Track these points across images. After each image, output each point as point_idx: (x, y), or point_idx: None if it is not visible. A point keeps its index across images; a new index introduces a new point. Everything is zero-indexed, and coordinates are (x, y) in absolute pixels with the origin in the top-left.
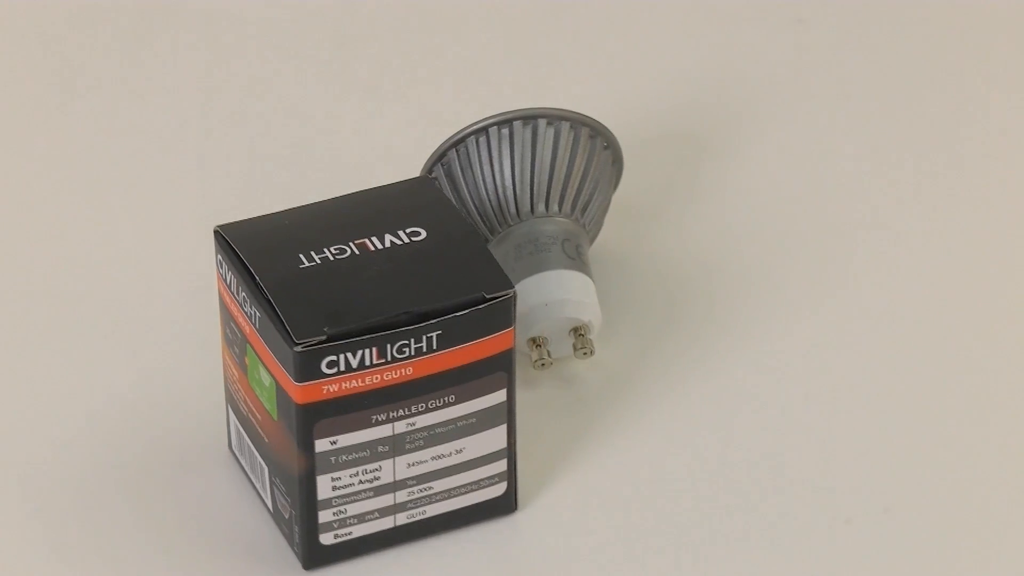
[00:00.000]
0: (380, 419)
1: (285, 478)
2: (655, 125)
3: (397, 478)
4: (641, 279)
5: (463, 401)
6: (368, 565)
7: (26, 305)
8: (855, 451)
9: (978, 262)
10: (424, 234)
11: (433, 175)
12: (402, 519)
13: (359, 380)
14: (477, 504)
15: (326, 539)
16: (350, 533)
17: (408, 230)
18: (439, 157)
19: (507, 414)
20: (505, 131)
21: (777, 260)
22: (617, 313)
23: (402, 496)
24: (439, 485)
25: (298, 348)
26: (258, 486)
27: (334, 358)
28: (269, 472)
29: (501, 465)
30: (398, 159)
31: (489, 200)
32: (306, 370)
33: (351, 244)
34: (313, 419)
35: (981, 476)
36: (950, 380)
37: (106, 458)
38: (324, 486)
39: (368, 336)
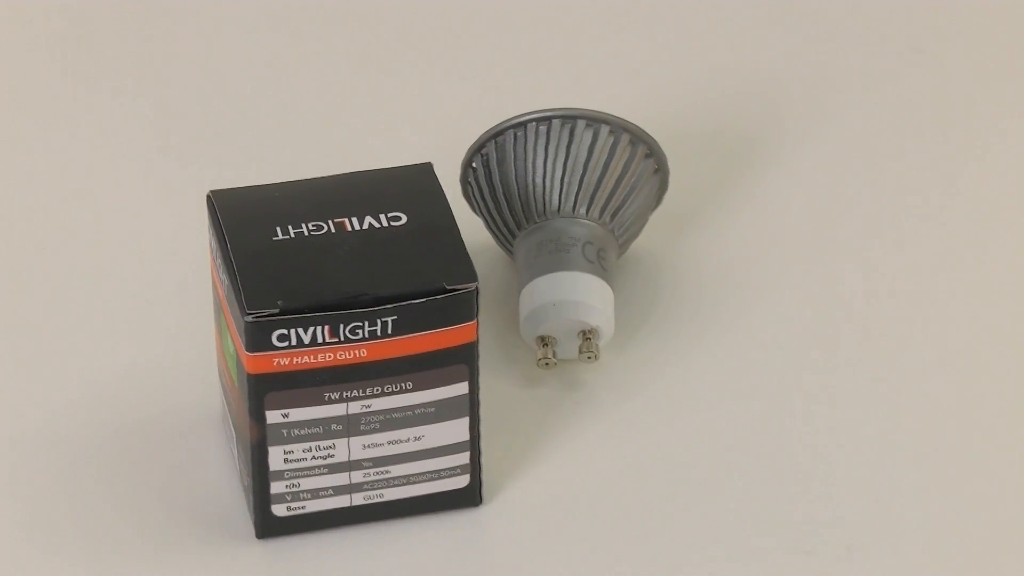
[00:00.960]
0: (334, 397)
1: (244, 446)
2: (701, 125)
3: (352, 458)
4: (669, 288)
5: (421, 389)
6: (323, 542)
7: (24, 269)
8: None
9: None
10: (404, 220)
11: (474, 166)
12: (359, 499)
13: (311, 356)
14: (438, 494)
15: (279, 510)
16: (304, 507)
17: (390, 214)
18: (478, 148)
19: (469, 407)
20: (543, 128)
21: (816, 280)
22: (638, 321)
23: (358, 477)
24: (397, 470)
25: (248, 318)
26: (232, 454)
27: (285, 332)
28: (236, 440)
29: (463, 457)
30: (431, 150)
31: (519, 195)
32: (257, 341)
33: (330, 222)
34: (263, 390)
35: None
36: (978, 416)
37: (101, 424)
38: (276, 458)
39: (321, 314)
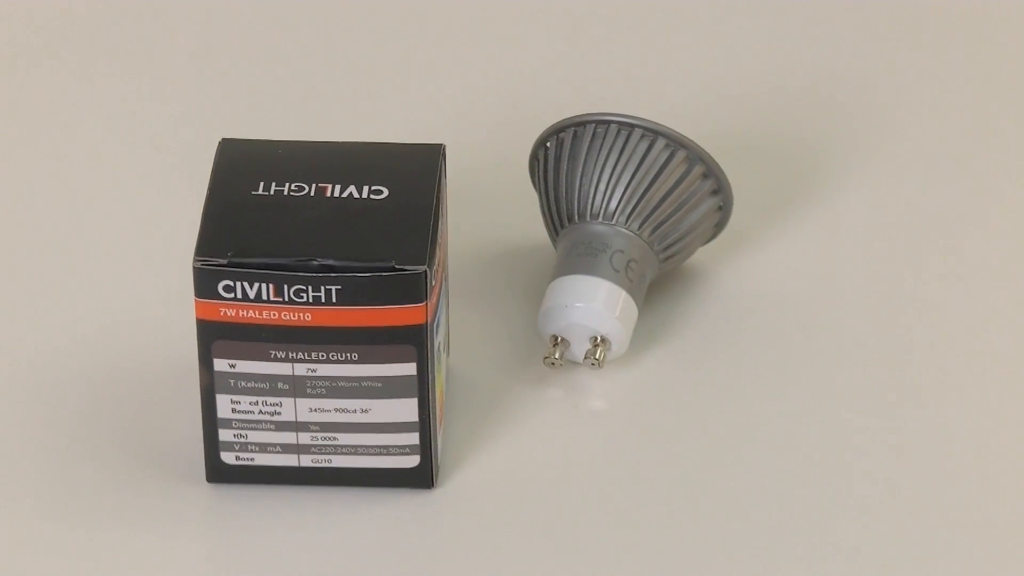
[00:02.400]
0: (279, 356)
1: (200, 390)
2: (764, 133)
3: (299, 419)
4: (709, 307)
5: (367, 363)
6: (270, 496)
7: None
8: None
9: None
10: (385, 194)
11: (547, 146)
12: (307, 461)
13: (256, 312)
14: (388, 469)
15: (227, 458)
16: (252, 459)
17: (373, 187)
18: (541, 143)
19: (418, 388)
20: (601, 130)
21: (869, 313)
22: (667, 337)
23: (305, 439)
24: (345, 439)
25: (197, 263)
26: None
27: (231, 283)
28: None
29: (413, 438)
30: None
31: (566, 191)
32: (203, 287)
33: (314, 186)
34: (210, 337)
35: None
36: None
37: (76, 371)
38: (224, 405)
39: (266, 271)
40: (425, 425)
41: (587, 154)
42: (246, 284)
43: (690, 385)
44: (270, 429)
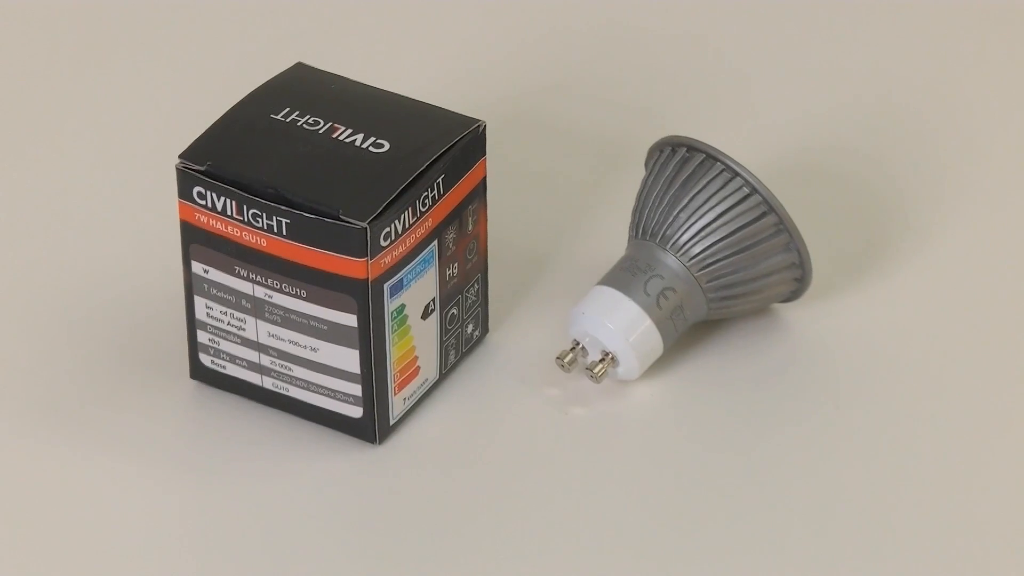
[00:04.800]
0: (242, 274)
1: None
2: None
3: (260, 340)
4: (761, 351)
5: (313, 303)
6: (241, 407)
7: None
8: None
9: None
10: (384, 148)
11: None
12: (268, 383)
13: (223, 225)
14: (336, 414)
15: (204, 360)
16: (224, 368)
17: (379, 140)
18: (660, 147)
19: (359, 341)
20: (690, 157)
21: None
22: (706, 372)
23: (266, 361)
24: (298, 372)
25: (178, 164)
26: None
27: (203, 191)
28: None
29: (356, 388)
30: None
31: (646, 205)
32: (183, 189)
33: (328, 124)
34: (189, 238)
35: None
36: None
37: (81, 286)
38: (200, 308)
39: (230, 188)
40: (368, 379)
41: (675, 178)
42: (215, 195)
43: (687, 422)
44: (237, 343)
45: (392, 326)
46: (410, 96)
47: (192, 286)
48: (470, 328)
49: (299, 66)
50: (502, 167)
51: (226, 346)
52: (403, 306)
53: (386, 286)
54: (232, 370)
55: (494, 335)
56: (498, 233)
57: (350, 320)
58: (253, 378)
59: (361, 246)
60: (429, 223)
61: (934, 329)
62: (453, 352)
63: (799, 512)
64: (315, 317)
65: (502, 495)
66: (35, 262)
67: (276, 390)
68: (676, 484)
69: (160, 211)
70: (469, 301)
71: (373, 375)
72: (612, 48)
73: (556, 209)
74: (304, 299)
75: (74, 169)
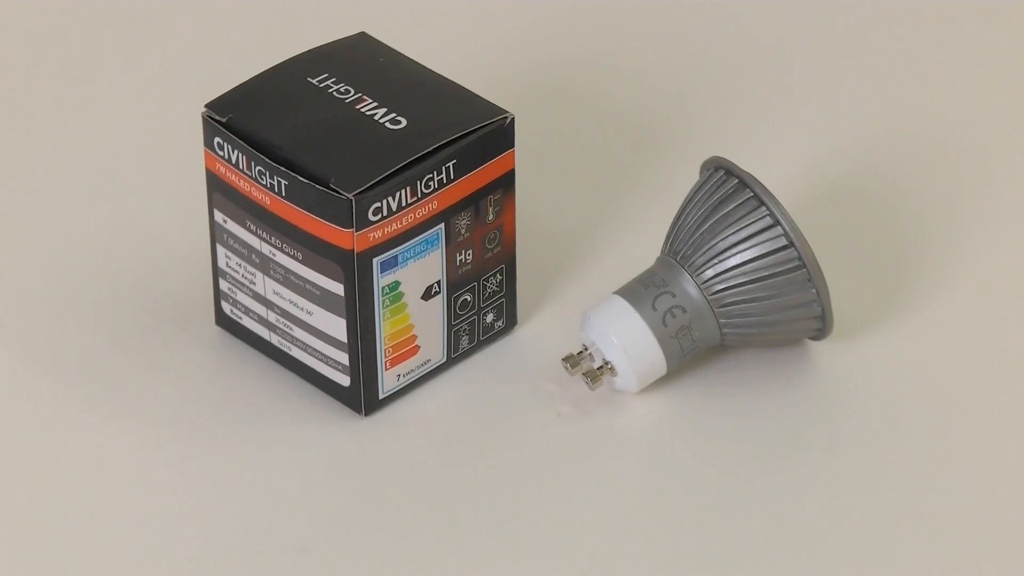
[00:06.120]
0: (252, 228)
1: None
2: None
3: (267, 297)
4: (766, 383)
5: (307, 266)
6: (252, 363)
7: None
8: None
9: None
10: (401, 125)
11: (707, 171)
12: (275, 340)
13: (236, 178)
14: (328, 379)
15: (225, 308)
16: (240, 319)
17: (399, 116)
18: (709, 167)
19: (346, 311)
20: (726, 180)
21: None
22: (702, 395)
23: (272, 317)
24: (297, 333)
25: (203, 112)
26: None
27: (221, 142)
28: None
29: (343, 357)
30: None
31: (672, 225)
32: (206, 137)
33: (358, 95)
34: (212, 187)
35: None
36: None
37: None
38: (221, 256)
39: (243, 144)
40: (354, 350)
41: (708, 200)
42: (230, 147)
43: (676, 444)
44: (249, 296)
45: (384, 301)
46: (458, 81)
47: (215, 234)
48: (490, 318)
49: (361, 35)
50: (559, 159)
51: (241, 297)
52: (397, 283)
53: (376, 260)
54: (247, 322)
55: (523, 328)
56: (541, 227)
57: (338, 288)
58: (263, 332)
59: (347, 216)
60: (434, 205)
61: (953, 370)
62: (466, 338)
63: (769, 551)
64: (309, 281)
65: (474, 479)
66: (77, 200)
67: (281, 348)
68: (644, 502)
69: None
70: (489, 291)
71: (360, 346)
72: (670, 33)
73: (603, 203)
74: (300, 261)
75: (117, 116)
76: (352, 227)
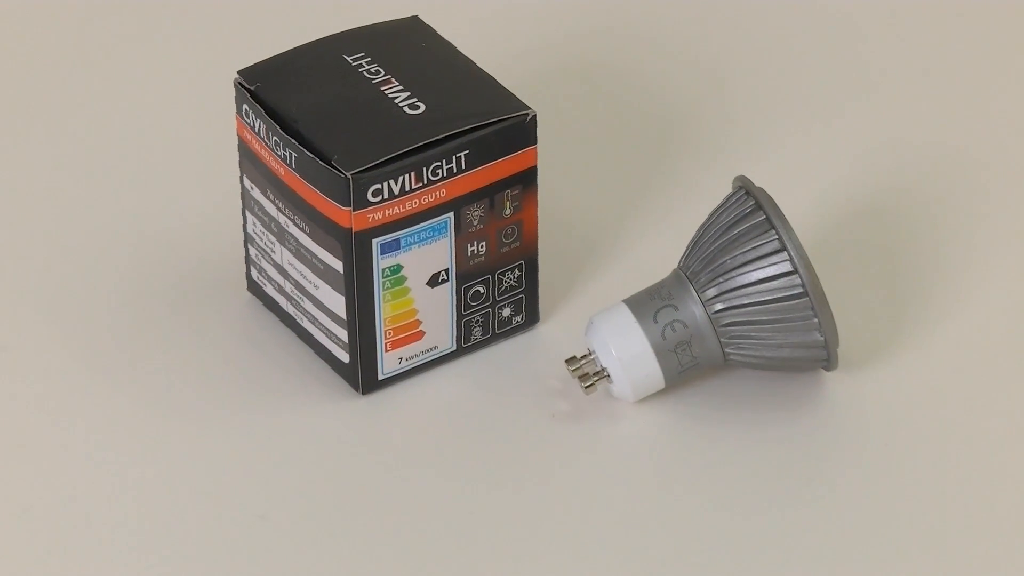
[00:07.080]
0: (271, 197)
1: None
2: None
3: (284, 268)
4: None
5: (312, 240)
6: (277, 333)
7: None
8: None
9: None
10: (420, 111)
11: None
12: (291, 311)
13: (258, 146)
14: (332, 354)
15: (252, 274)
16: (264, 285)
17: (420, 101)
18: (740, 187)
19: (345, 288)
20: (745, 201)
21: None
22: (699, 412)
23: (288, 288)
24: (307, 306)
25: (235, 78)
26: None
27: (247, 109)
28: None
29: (343, 334)
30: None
31: (701, 240)
32: (238, 103)
33: (386, 77)
34: (242, 152)
35: None
36: None
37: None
38: (249, 221)
39: (261, 112)
40: (352, 328)
41: (722, 217)
42: (254, 116)
43: (661, 459)
44: (270, 264)
45: (384, 283)
46: (503, 77)
47: (244, 200)
48: (507, 312)
49: (413, 19)
50: (600, 158)
51: (265, 266)
52: (399, 266)
53: (375, 241)
54: (269, 290)
55: (544, 326)
56: (574, 226)
57: (337, 265)
58: (282, 302)
59: (345, 195)
60: (442, 193)
61: (967, 397)
62: (479, 329)
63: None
64: (315, 255)
65: (454, 469)
66: (116, 165)
67: (296, 319)
68: (624, 507)
69: None
70: (506, 285)
71: (357, 325)
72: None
73: (640, 204)
74: (307, 235)
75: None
76: (350, 206)
